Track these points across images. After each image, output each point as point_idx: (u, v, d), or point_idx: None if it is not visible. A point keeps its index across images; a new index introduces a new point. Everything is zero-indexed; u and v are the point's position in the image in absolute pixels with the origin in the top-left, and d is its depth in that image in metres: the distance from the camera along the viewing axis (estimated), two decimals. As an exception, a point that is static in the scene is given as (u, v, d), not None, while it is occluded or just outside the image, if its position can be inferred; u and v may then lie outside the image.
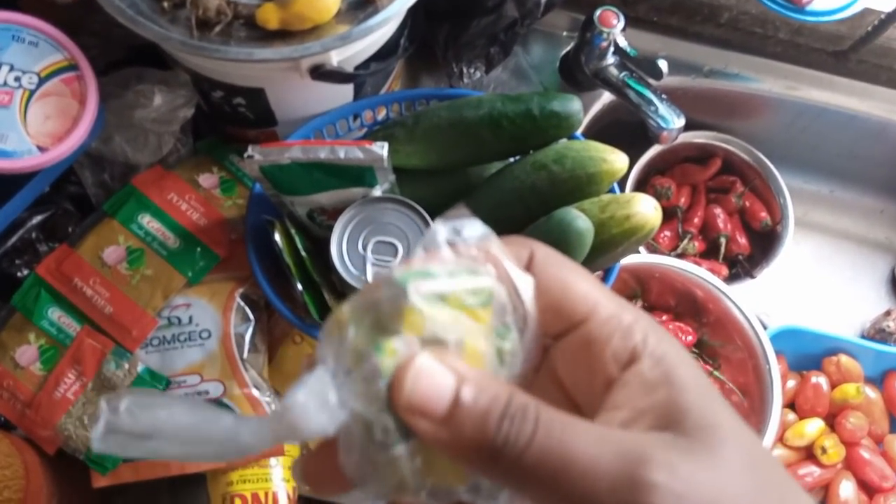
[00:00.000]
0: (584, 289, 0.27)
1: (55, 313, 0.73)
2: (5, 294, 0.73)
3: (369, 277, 0.67)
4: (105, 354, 0.72)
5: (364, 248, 0.69)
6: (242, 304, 0.76)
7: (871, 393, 0.96)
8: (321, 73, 0.67)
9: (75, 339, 0.72)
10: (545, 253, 0.28)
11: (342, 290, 0.71)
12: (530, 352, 0.27)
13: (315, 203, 0.70)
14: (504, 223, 0.74)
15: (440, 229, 0.28)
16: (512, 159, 0.77)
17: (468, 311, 0.26)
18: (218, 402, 0.72)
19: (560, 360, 0.29)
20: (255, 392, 0.73)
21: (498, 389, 0.24)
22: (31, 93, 0.62)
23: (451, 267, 0.27)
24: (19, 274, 0.74)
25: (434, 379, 0.24)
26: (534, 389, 0.26)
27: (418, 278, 0.26)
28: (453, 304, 0.26)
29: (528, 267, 0.28)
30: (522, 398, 0.24)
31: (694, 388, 0.25)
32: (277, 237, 0.70)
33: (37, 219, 0.73)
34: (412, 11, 0.70)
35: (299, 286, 0.69)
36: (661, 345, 0.26)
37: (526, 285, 0.27)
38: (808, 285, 1.07)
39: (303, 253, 0.70)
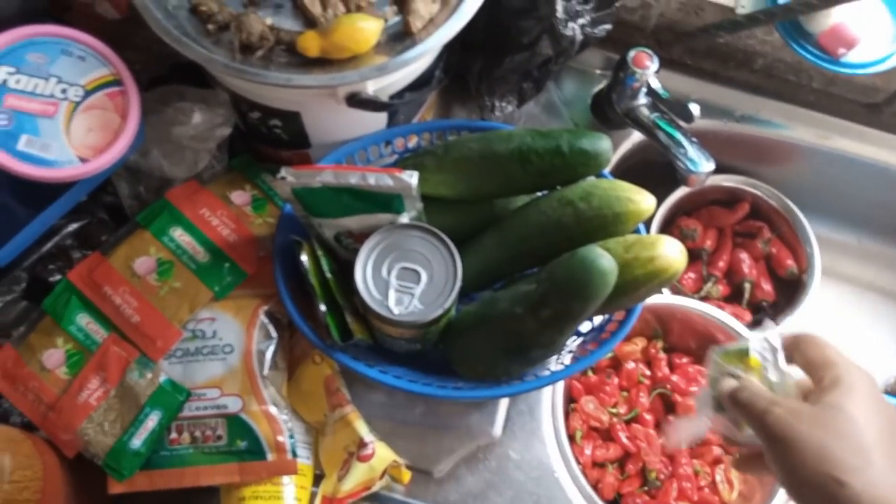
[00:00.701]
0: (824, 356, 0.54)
1: (84, 319, 0.75)
2: (37, 298, 0.75)
3: (391, 303, 0.68)
4: (129, 363, 0.73)
5: (388, 274, 0.70)
6: (266, 321, 0.77)
7: (892, 449, 0.94)
8: (357, 101, 0.68)
9: (101, 345, 0.74)
10: (811, 338, 0.56)
11: (364, 314, 0.72)
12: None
13: (343, 226, 0.72)
14: (527, 257, 0.75)
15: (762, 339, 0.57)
16: (539, 194, 0.78)
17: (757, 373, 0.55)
18: (235, 418, 0.73)
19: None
20: (272, 409, 0.74)
21: (770, 395, 0.52)
22: (76, 105, 0.64)
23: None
24: (52, 279, 0.75)
25: (757, 393, 0.53)
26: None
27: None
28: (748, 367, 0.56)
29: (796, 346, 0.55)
30: (777, 399, 0.51)
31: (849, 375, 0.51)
32: (304, 258, 0.71)
33: (72, 226, 0.75)
34: (448, 45, 0.72)
35: (322, 307, 0.70)
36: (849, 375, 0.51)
37: (788, 369, 0.55)
38: (831, 336, 1.05)
39: (328, 274, 0.72)
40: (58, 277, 0.76)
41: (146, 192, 0.79)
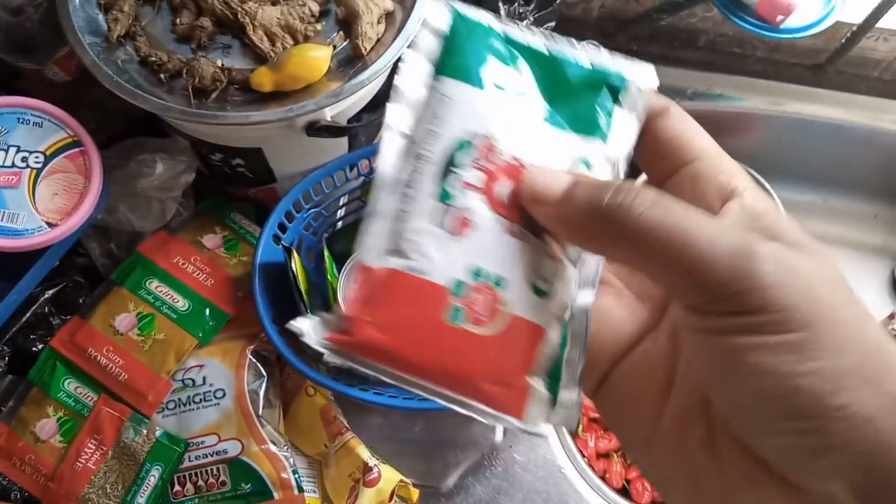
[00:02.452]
0: (702, 138, 0.31)
1: (71, 384, 0.74)
2: (22, 369, 0.74)
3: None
4: (123, 421, 0.73)
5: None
6: (254, 360, 0.77)
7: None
8: (316, 129, 0.68)
9: (93, 408, 0.73)
10: (679, 110, 0.32)
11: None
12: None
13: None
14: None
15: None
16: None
17: None
18: (237, 461, 0.73)
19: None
20: (272, 448, 0.74)
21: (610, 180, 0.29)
22: (38, 171, 0.64)
23: None
24: (34, 348, 0.75)
25: (550, 173, 0.28)
26: None
27: None
28: None
29: (662, 114, 0.31)
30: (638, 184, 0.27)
31: (787, 219, 0.28)
32: (293, 265, 0.72)
33: (49, 293, 0.75)
34: (397, 63, 0.73)
35: (308, 315, 0.71)
36: (757, 190, 0.29)
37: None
38: (810, 295, 1.08)
39: (329, 277, 0.73)
40: (40, 346, 0.75)
41: (117, 249, 0.79)
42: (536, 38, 0.31)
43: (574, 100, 0.31)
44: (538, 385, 0.29)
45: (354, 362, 0.28)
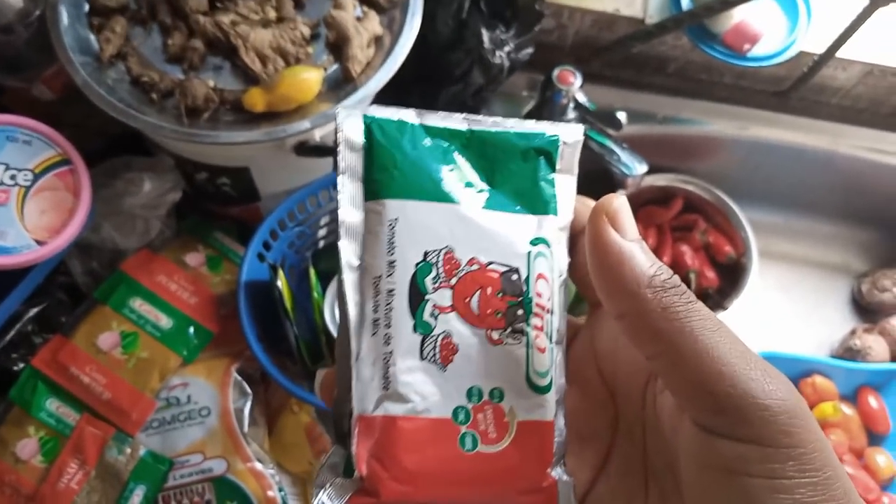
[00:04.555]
0: None
1: (53, 404, 0.73)
2: (2, 388, 0.73)
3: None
4: (106, 441, 0.72)
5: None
6: (239, 378, 0.77)
7: (847, 410, 0.99)
8: (306, 149, 0.70)
9: (75, 428, 0.72)
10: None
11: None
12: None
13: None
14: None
15: None
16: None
17: None
18: (222, 479, 0.73)
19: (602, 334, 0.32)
20: (258, 466, 0.74)
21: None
22: (27, 189, 0.64)
23: None
24: (15, 368, 0.74)
25: (639, 259, 0.26)
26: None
27: None
28: None
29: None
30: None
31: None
32: (279, 283, 0.72)
33: (32, 311, 0.74)
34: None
35: (294, 331, 0.72)
36: None
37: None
38: (776, 312, 1.12)
39: (315, 294, 0.74)
40: (21, 365, 0.74)
41: (99, 267, 0.78)
42: (455, 122, 0.30)
43: (513, 175, 0.30)
44: (560, 474, 0.29)
45: None
